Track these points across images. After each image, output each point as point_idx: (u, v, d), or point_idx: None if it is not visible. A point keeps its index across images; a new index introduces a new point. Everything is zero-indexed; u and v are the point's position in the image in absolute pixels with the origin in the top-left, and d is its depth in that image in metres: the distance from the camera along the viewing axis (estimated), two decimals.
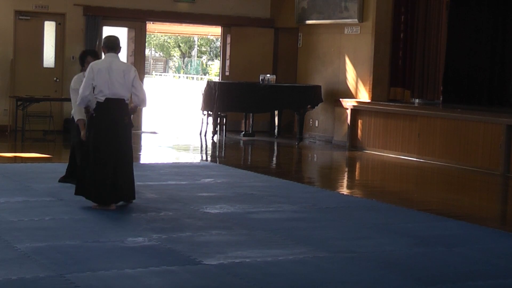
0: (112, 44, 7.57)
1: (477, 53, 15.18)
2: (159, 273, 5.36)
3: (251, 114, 15.83)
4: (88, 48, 9.18)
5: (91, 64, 7.54)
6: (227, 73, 16.71)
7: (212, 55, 55.77)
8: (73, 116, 8.39)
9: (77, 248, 5.96)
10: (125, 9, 15.47)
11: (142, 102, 7.60)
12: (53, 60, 15.10)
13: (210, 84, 14.80)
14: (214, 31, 25.21)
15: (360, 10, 14.38)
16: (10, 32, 14.56)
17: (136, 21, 15.83)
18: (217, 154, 13.64)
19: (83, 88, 7.45)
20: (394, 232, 7.01)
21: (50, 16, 14.98)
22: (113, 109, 7.43)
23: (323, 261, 5.89)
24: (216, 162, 12.21)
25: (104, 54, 7.62)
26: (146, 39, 16.70)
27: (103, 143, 7.43)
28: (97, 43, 14.84)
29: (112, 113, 7.43)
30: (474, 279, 5.60)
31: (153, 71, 56.40)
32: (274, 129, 16.15)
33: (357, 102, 14.27)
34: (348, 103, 14.35)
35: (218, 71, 17.96)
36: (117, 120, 7.46)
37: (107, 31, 15.40)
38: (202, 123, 15.45)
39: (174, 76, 57.45)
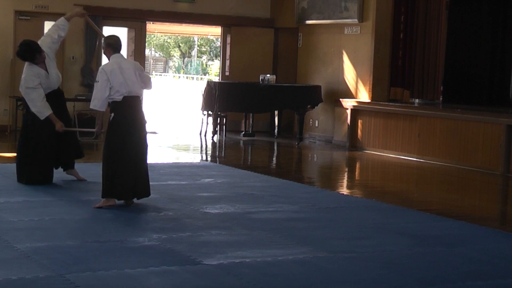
0: (118, 45, 7.78)
1: (477, 53, 15.19)
2: (159, 273, 5.36)
3: (251, 114, 15.83)
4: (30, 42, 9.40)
5: (102, 67, 7.65)
6: (227, 73, 16.71)
7: (212, 55, 55.77)
8: (32, 115, 8.60)
9: (77, 248, 5.96)
10: (125, 9, 15.47)
11: (150, 88, 8.01)
12: None
13: (210, 84, 14.80)
14: (214, 31, 25.23)
15: (360, 10, 14.38)
16: (10, 32, 14.56)
17: (136, 21, 15.83)
18: (217, 154, 13.64)
19: (102, 92, 7.51)
20: (394, 232, 7.01)
21: (50, 16, 14.96)
22: (132, 106, 7.60)
23: (323, 261, 5.88)
24: (216, 162, 12.21)
25: (108, 53, 7.72)
26: (146, 39, 16.70)
27: (127, 140, 7.54)
28: (97, 43, 14.85)
29: (131, 110, 7.60)
30: (474, 279, 5.59)
31: (153, 71, 56.39)
32: (274, 129, 16.15)
33: (357, 102, 14.27)
34: (348, 103, 14.36)
35: (218, 71, 17.96)
36: (137, 117, 7.64)
37: (107, 31, 15.41)
38: (202, 123, 15.46)
39: (174, 76, 57.44)
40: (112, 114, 7.57)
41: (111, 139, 7.58)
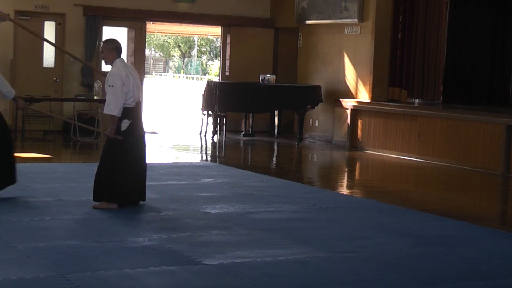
0: (121, 50, 7.59)
1: (477, 53, 15.18)
2: (159, 273, 5.35)
3: (251, 114, 15.83)
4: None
5: (116, 72, 7.40)
6: (227, 73, 16.71)
7: (212, 55, 55.77)
8: None
9: (77, 248, 5.96)
10: (125, 9, 15.47)
11: None
12: (53, 60, 15.11)
13: (210, 84, 14.81)
14: (214, 31, 25.22)
15: (360, 10, 14.38)
16: (10, 32, 14.55)
17: (136, 21, 15.83)
18: (217, 154, 13.64)
19: (119, 97, 7.33)
20: (394, 232, 7.01)
21: (50, 16, 14.98)
22: (140, 112, 7.68)
23: (323, 261, 5.89)
24: (216, 162, 12.21)
25: (112, 57, 7.48)
26: (146, 39, 16.70)
27: (139, 147, 7.60)
28: (97, 43, 14.85)
29: (140, 116, 7.67)
30: (474, 279, 5.60)
31: (153, 71, 56.40)
32: (274, 129, 16.15)
33: (357, 102, 14.27)
34: (348, 103, 14.36)
35: (218, 71, 17.96)
36: (142, 122, 7.73)
37: (107, 31, 15.42)
38: (202, 123, 15.46)
39: (174, 76, 57.45)
40: (127, 121, 7.44)
41: (125, 147, 7.48)
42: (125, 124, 7.43)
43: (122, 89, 7.31)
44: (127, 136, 7.46)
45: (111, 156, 7.51)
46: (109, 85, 7.36)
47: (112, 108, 7.34)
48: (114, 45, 7.51)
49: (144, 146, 7.72)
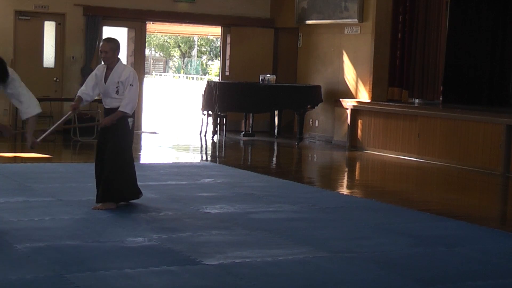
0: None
1: (477, 53, 15.19)
2: (159, 273, 5.36)
3: (251, 114, 15.83)
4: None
5: (134, 72, 7.41)
6: (227, 73, 16.71)
7: (212, 55, 55.78)
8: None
9: (77, 248, 5.96)
10: (125, 9, 15.47)
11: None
12: (53, 60, 15.11)
13: (210, 84, 14.80)
14: (214, 31, 25.23)
15: (360, 10, 14.39)
16: (10, 32, 14.56)
17: (136, 21, 15.83)
18: (217, 154, 13.63)
19: (136, 97, 7.40)
20: (394, 232, 7.01)
21: (50, 16, 14.98)
22: None
23: (323, 261, 5.89)
24: (216, 162, 12.21)
25: (115, 57, 7.38)
26: (146, 39, 16.70)
27: (132, 145, 7.70)
28: (97, 43, 14.85)
29: None
30: (474, 279, 5.60)
31: (153, 71, 56.41)
32: (274, 129, 16.15)
33: (357, 102, 14.27)
34: (348, 103, 14.36)
35: (218, 71, 17.97)
36: None
37: (107, 31, 15.42)
38: (202, 123, 15.46)
39: (174, 76, 57.45)
40: (132, 120, 7.47)
41: (129, 145, 7.57)
42: (130, 122, 7.49)
43: (137, 89, 7.39)
44: (129, 135, 7.54)
45: (121, 157, 7.51)
46: (131, 84, 7.31)
47: (130, 107, 7.35)
48: (116, 44, 7.44)
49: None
